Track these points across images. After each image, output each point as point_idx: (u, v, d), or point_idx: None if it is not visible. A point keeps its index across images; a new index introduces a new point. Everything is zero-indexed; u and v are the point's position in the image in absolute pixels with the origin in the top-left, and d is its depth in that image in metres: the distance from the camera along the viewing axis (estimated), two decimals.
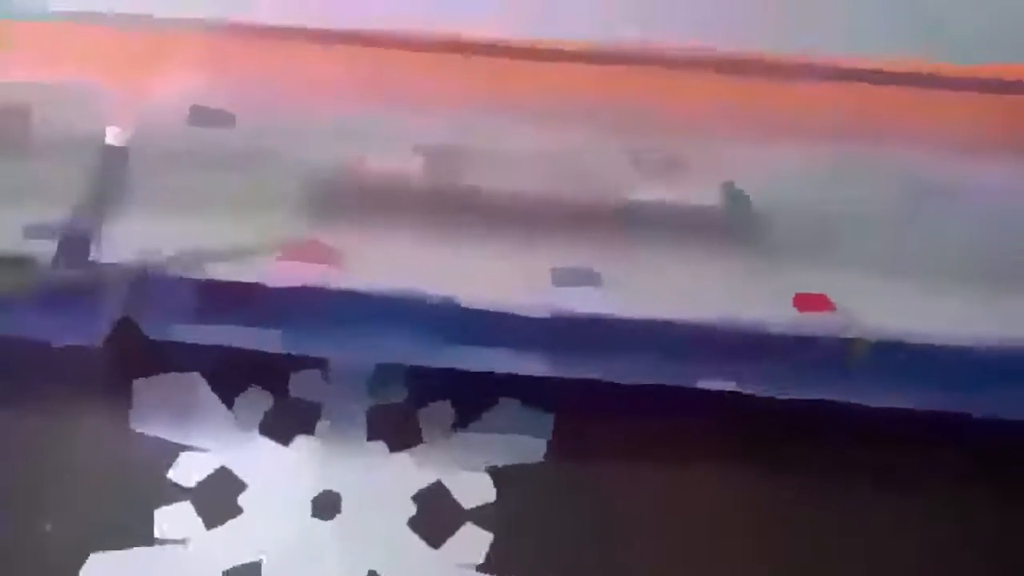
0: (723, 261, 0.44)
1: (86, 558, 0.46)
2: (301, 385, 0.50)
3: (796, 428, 0.48)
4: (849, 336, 0.44)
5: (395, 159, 0.45)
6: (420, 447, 0.49)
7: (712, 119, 0.45)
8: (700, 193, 0.44)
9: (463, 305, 0.44)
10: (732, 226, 0.44)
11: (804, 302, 0.43)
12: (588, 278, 0.44)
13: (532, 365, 0.47)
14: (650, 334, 0.44)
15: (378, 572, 0.47)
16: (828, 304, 0.43)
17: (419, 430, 0.49)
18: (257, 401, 0.50)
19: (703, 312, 0.43)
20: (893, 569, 0.47)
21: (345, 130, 0.46)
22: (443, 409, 0.50)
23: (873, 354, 0.44)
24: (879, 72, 0.45)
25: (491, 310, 0.44)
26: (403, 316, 0.46)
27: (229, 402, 0.50)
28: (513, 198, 0.45)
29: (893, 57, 0.46)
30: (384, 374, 0.50)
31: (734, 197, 0.44)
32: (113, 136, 0.48)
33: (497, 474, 0.49)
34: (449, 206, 0.45)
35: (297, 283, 0.45)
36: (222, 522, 0.48)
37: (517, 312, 0.44)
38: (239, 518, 0.48)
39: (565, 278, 0.44)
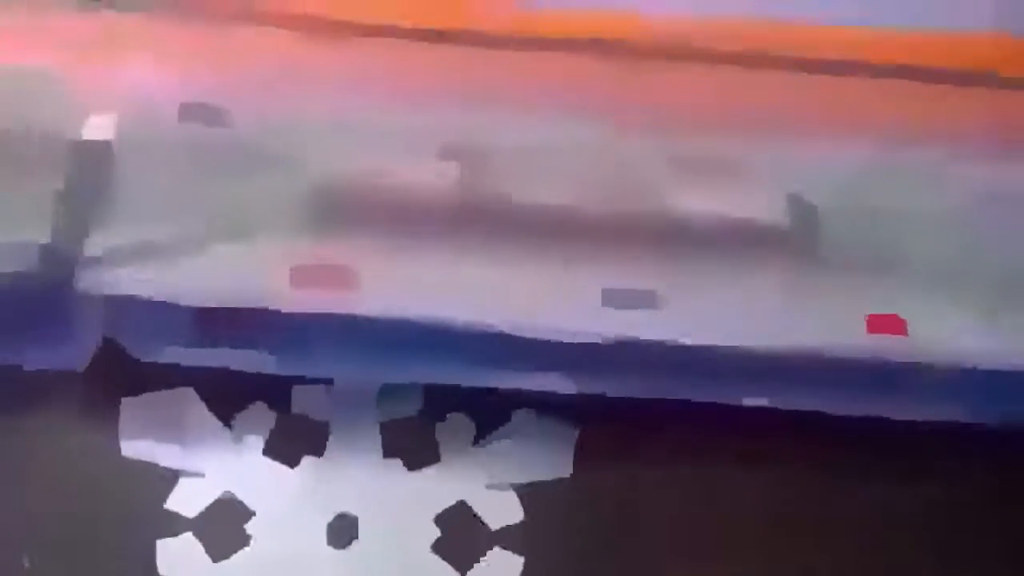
0: (787, 279, 0.40)
1: None
2: (305, 401, 0.46)
3: (830, 440, 0.46)
4: (918, 360, 0.41)
5: (417, 164, 0.41)
6: (439, 464, 0.46)
7: (769, 120, 0.42)
8: (763, 205, 0.40)
9: (499, 331, 0.40)
10: (797, 241, 0.41)
11: (877, 324, 0.40)
12: (643, 299, 0.40)
13: (565, 384, 0.43)
14: (704, 357, 0.41)
15: None
16: (901, 327, 0.40)
17: (437, 446, 0.46)
18: (258, 419, 0.46)
19: (765, 338, 0.40)
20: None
21: (358, 132, 0.41)
22: (461, 423, 0.46)
23: (938, 376, 0.42)
24: (947, 71, 0.43)
25: (531, 337, 0.40)
26: (427, 342, 0.42)
27: (227, 421, 0.46)
28: (552, 210, 0.41)
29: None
30: (396, 387, 0.46)
31: (800, 209, 0.40)
32: (92, 130, 0.43)
33: (523, 492, 0.46)
34: (480, 218, 0.41)
35: (311, 310, 0.41)
36: (230, 554, 0.44)
37: (562, 339, 0.40)
38: (248, 549, 0.44)
39: (617, 299, 0.40)
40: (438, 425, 0.46)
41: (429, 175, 0.41)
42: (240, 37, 0.43)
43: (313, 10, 0.43)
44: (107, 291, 0.40)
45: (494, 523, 0.45)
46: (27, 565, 0.43)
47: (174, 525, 0.44)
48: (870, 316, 0.40)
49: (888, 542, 0.46)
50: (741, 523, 0.46)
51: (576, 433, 0.46)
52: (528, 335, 0.40)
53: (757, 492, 0.46)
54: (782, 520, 0.46)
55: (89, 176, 0.42)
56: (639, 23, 0.43)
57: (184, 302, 0.40)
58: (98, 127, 0.43)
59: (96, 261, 0.40)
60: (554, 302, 0.40)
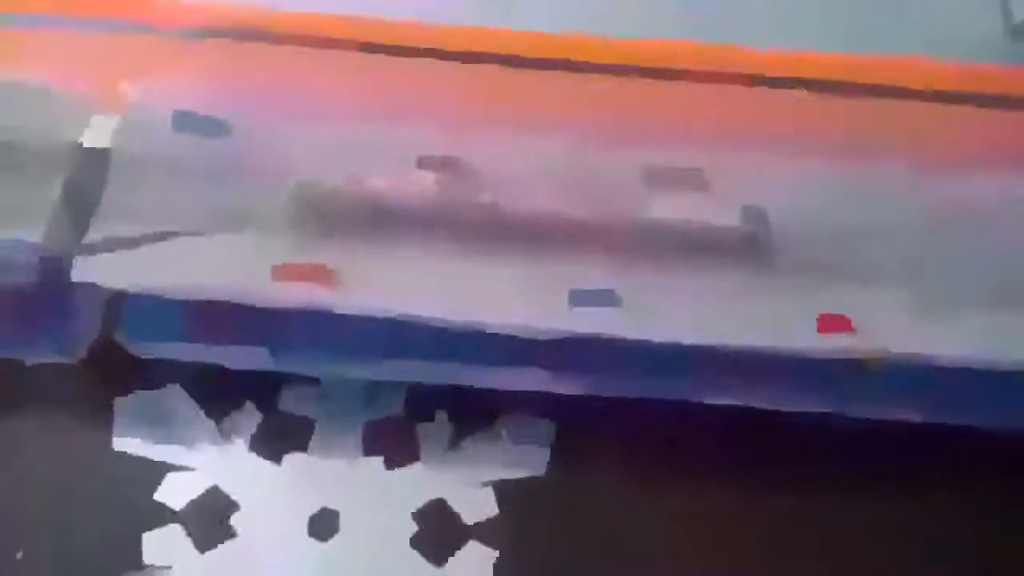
0: (742, 282, 0.42)
1: None
2: (292, 400, 0.48)
3: (798, 440, 0.47)
4: (865, 356, 0.43)
5: (399, 174, 0.43)
6: (419, 463, 0.47)
7: (729, 134, 0.44)
8: (719, 212, 0.43)
9: (473, 328, 0.42)
10: (750, 246, 0.43)
11: (826, 323, 0.43)
12: (606, 299, 0.42)
13: (538, 381, 0.45)
14: (663, 354, 0.43)
15: None
16: (848, 325, 0.43)
17: (417, 445, 0.48)
18: (246, 417, 0.48)
19: (722, 335, 0.42)
20: None
21: (346, 143, 0.44)
22: (441, 423, 0.48)
23: (885, 371, 0.44)
24: (904, 89, 0.45)
25: (503, 333, 0.42)
26: (405, 338, 0.44)
27: (217, 418, 0.48)
28: (525, 215, 0.43)
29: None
30: (379, 386, 0.48)
31: (753, 217, 0.43)
32: (92, 138, 0.45)
33: (499, 489, 0.47)
34: (455, 223, 0.43)
35: (290, 305, 0.43)
36: (215, 545, 0.45)
37: (532, 336, 0.42)
38: (233, 540, 0.46)
39: (583, 299, 0.42)
40: (419, 426, 0.48)
41: (407, 183, 0.43)
42: (235, 52, 0.46)
43: (301, 29, 0.46)
44: (100, 284, 0.42)
45: (470, 518, 0.46)
46: (19, 557, 0.45)
47: (162, 517, 0.46)
48: (821, 315, 0.42)
49: (868, 558, 0.47)
50: (709, 526, 0.47)
51: (551, 435, 0.48)
52: (500, 332, 0.42)
53: (727, 495, 0.47)
54: (759, 521, 0.47)
55: (87, 180, 0.45)
56: (610, 46, 0.46)
57: (172, 296, 0.42)
58: (96, 135, 0.45)
59: (90, 258, 0.42)
60: (524, 301, 0.42)
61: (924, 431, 0.46)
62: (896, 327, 0.42)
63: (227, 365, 0.46)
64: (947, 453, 0.47)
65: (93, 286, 0.43)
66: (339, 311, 0.42)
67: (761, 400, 0.44)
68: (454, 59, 0.46)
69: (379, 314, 0.42)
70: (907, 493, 0.47)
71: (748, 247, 0.43)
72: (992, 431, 0.45)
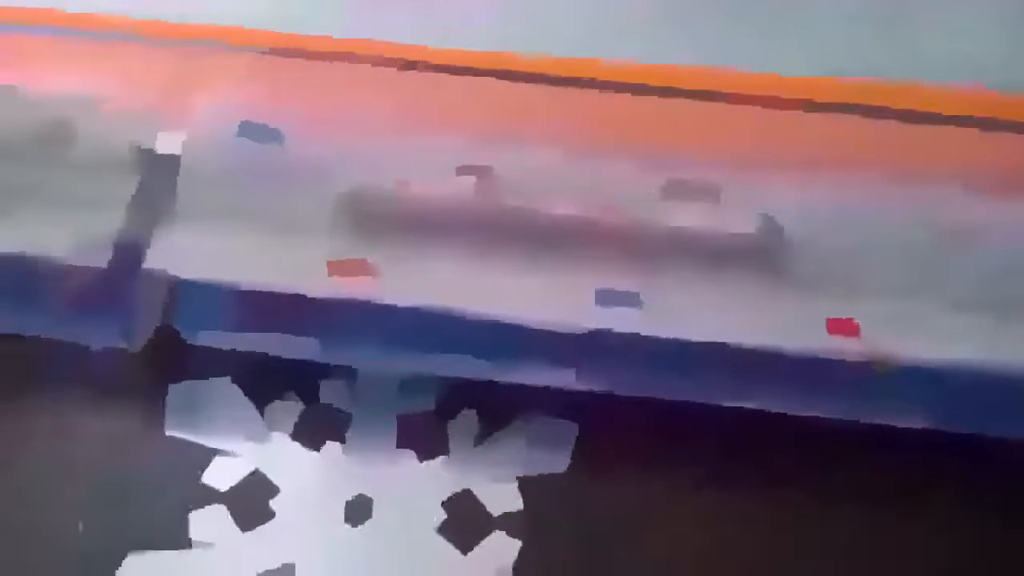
0: (757, 287, 0.45)
1: (122, 559, 0.47)
2: (332, 393, 0.51)
3: (812, 443, 0.50)
4: (872, 359, 0.46)
5: (441, 181, 0.47)
6: (448, 456, 0.51)
7: (748, 151, 0.47)
8: (735, 221, 0.46)
9: (502, 322, 0.45)
10: (765, 254, 0.46)
11: (835, 327, 0.45)
12: (630, 300, 0.46)
13: (563, 379, 0.48)
14: (682, 355, 0.46)
15: None
16: (856, 330, 0.45)
17: (447, 439, 0.51)
18: (289, 407, 0.51)
19: (736, 335, 0.45)
20: None
21: (393, 152, 0.47)
22: (470, 419, 0.51)
23: (892, 377, 0.46)
24: (912, 112, 0.48)
25: (531, 327, 0.45)
26: (443, 333, 0.47)
27: (261, 408, 0.51)
28: (555, 221, 0.46)
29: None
30: (412, 383, 0.51)
31: (768, 228, 0.46)
32: (164, 145, 0.49)
33: (524, 483, 0.50)
34: (491, 226, 0.46)
35: (345, 296, 0.46)
36: (256, 526, 0.49)
37: (559, 330, 0.45)
38: (272, 522, 0.49)
39: (608, 299, 0.46)
40: (449, 422, 0.51)
41: (448, 188, 0.46)
42: (291, 69, 0.49)
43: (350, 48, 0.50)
44: (170, 272, 0.46)
45: (496, 510, 0.49)
46: (81, 529, 0.48)
47: (208, 497, 0.49)
48: (830, 319, 0.45)
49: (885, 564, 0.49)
50: (725, 523, 0.50)
51: (574, 433, 0.51)
52: (529, 326, 0.45)
53: (742, 494, 0.50)
54: (762, 521, 0.50)
55: (160, 179, 0.48)
56: (635, 68, 0.49)
57: (234, 286, 0.46)
58: (168, 143, 0.49)
59: (161, 247, 0.46)
60: (553, 299, 0.45)
61: (931, 438, 0.48)
62: (902, 333, 0.45)
63: (278, 354, 0.49)
64: (953, 460, 0.49)
65: (160, 275, 0.46)
66: (386, 302, 0.45)
67: (774, 404, 0.47)
68: (492, 76, 0.49)
69: (420, 306, 0.45)
70: (913, 498, 0.50)
71: (762, 255, 0.46)
72: (998, 438, 0.48)
